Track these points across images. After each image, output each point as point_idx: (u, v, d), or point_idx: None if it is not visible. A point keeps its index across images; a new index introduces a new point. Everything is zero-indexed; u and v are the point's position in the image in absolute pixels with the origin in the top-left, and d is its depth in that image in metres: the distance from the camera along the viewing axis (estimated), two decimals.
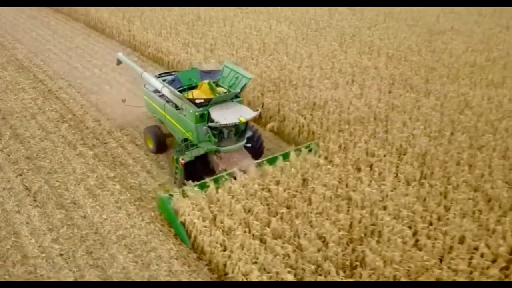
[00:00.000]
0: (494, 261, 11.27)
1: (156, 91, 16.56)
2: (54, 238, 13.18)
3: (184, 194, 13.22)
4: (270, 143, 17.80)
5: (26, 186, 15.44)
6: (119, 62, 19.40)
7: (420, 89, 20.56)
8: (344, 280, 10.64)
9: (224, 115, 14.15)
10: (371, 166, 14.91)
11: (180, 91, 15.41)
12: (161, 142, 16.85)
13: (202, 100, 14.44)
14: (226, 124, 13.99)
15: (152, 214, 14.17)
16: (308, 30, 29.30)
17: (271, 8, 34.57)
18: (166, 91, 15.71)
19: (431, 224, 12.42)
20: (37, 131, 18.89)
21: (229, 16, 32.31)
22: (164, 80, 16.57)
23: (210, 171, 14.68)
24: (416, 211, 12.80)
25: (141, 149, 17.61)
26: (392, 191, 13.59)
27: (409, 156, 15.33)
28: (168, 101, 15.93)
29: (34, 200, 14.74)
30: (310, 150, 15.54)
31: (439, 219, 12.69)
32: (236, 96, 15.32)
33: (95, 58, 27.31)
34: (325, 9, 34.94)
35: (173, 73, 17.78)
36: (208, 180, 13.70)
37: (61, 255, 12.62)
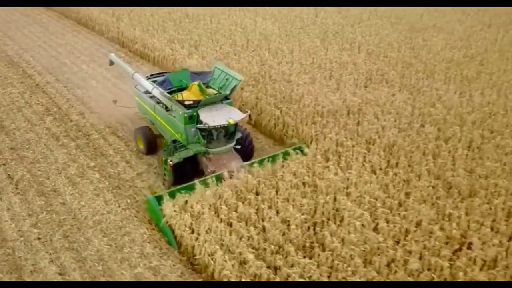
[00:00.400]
0: (447, 243, 11.84)
1: (147, 92, 16.52)
2: (33, 223, 13.75)
3: (171, 196, 13.09)
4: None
5: (9, 175, 16.00)
6: (111, 63, 19.42)
7: (395, 84, 21.14)
8: (305, 260, 11.13)
9: (213, 117, 14.08)
10: (339, 156, 15.47)
11: (170, 93, 15.50)
12: (152, 143, 16.74)
13: (191, 102, 14.46)
14: (214, 126, 13.90)
15: (128, 201, 14.75)
16: (292, 27, 29.85)
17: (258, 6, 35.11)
18: (156, 92, 15.65)
19: (391, 209, 12.98)
20: (23, 123, 19.44)
21: (216, 14, 32.83)
22: (154, 81, 16.60)
23: (200, 173, 14.68)
24: (378, 197, 13.39)
25: (121, 141, 18.17)
26: (357, 179, 14.15)
27: (377, 146, 15.90)
28: (159, 102, 15.92)
29: (16, 188, 15.31)
30: (302, 151, 15.45)
31: (399, 205, 13.28)
32: (226, 98, 15.31)
33: (83, 54, 27.85)
34: (312, 7, 35.45)
35: (164, 74, 17.82)
36: (196, 182, 13.51)
37: (39, 238, 13.18)
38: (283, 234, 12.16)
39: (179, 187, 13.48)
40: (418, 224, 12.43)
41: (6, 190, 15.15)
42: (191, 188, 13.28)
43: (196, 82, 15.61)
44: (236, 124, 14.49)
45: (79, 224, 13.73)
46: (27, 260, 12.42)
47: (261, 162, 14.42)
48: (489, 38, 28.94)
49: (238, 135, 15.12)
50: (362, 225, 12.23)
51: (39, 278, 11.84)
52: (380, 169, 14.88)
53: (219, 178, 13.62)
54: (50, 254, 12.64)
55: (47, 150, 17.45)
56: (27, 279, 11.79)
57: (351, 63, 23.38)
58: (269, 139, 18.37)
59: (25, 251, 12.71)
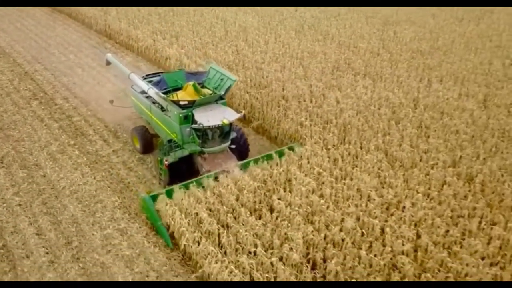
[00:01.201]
0: (385, 207, 13.16)
1: (143, 92, 16.56)
2: (15, 192, 15.04)
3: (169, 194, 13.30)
4: None
5: None
6: (108, 63, 19.26)
7: (360, 72, 22.42)
8: (253, 219, 12.37)
9: (207, 117, 14.09)
10: (296, 132, 16.78)
11: (166, 93, 15.59)
12: (148, 142, 16.78)
13: (186, 102, 14.44)
14: (209, 126, 13.90)
15: (103, 174, 16.04)
16: (271, 20, 31.10)
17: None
18: (152, 92, 15.64)
19: (336, 178, 14.29)
20: (10, 106, 20.70)
21: (200, 8, 33.97)
22: (150, 81, 16.64)
23: (195, 172, 14.75)
24: (327, 169, 14.69)
25: (101, 122, 19.44)
26: (310, 153, 15.45)
27: (333, 126, 17.20)
28: (154, 102, 15.94)
29: (1, 162, 16.59)
30: (292, 150, 15.60)
31: (346, 175, 14.59)
32: (221, 98, 15.32)
33: (72, 45, 29.07)
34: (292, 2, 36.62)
35: (160, 74, 17.81)
36: (192, 181, 13.70)
37: (19, 205, 14.47)
38: (237, 199, 13.46)
39: (174, 186, 13.65)
40: (359, 190, 13.74)
41: None
42: (187, 187, 13.47)
43: (191, 82, 15.65)
44: (230, 124, 14.51)
45: (57, 193, 15.01)
46: (8, 222, 13.71)
47: (256, 162, 14.57)
48: (458, 31, 30.23)
49: (233, 134, 15.12)
50: (308, 191, 13.54)
51: (18, 239, 13.10)
52: (333, 145, 16.17)
53: (215, 177, 13.85)
54: (29, 218, 13.92)
55: (31, 130, 18.71)
56: (8, 239, 13.06)
57: (321, 53, 24.66)
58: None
59: (7, 215, 14.00)
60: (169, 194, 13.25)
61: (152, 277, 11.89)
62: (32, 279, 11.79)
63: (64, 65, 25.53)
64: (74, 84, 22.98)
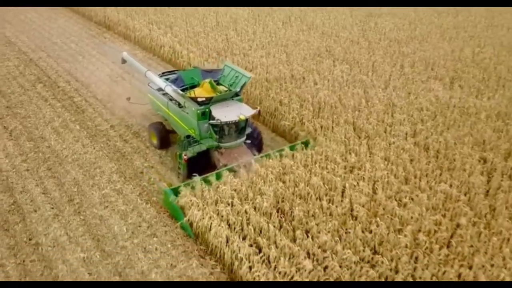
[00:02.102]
0: (348, 169, 14.84)
1: (160, 89, 16.78)
2: (23, 159, 16.71)
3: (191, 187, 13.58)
4: None
5: (4, 126, 18.93)
6: (123, 61, 19.19)
7: (339, 58, 24.08)
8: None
9: (224, 113, 14.41)
10: (275, 110, 18.46)
11: (182, 90, 15.84)
12: (165, 138, 17.04)
13: (204, 99, 14.70)
14: (226, 121, 14.25)
15: (102, 145, 17.71)
16: (260, 12, 32.71)
17: None
18: (169, 89, 15.95)
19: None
20: (17, 89, 22.35)
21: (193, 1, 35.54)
22: (167, 79, 16.87)
23: (212, 166, 15.07)
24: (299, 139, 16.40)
25: (100, 102, 21.10)
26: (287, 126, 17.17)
27: (309, 103, 18.87)
28: (171, 99, 16.20)
29: (10, 135, 18.24)
30: (306, 145, 16.05)
31: (316, 143, 16.28)
32: (236, 95, 15.59)
33: (73, 35, 30.69)
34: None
35: (176, 72, 18.09)
36: (210, 174, 14.04)
37: (27, 170, 16.14)
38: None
39: (193, 179, 13.80)
40: (326, 155, 15.42)
41: (2, 137, 18.09)
42: (206, 180, 13.78)
43: (208, 80, 15.93)
44: (246, 120, 14.81)
45: (60, 161, 16.68)
46: (17, 184, 15.39)
47: (269, 156, 14.96)
48: (436, 23, 31.92)
49: (248, 130, 15.47)
50: (281, 156, 15.22)
51: (27, 197, 14.76)
52: (308, 120, 17.85)
53: (232, 171, 14.24)
54: (36, 180, 15.60)
55: (36, 109, 20.37)
56: (17, 197, 14.75)
57: (305, 41, 26.31)
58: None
59: (16, 178, 15.68)
60: (189, 186, 13.62)
61: (144, 227, 13.55)
62: (40, 229, 13.45)
63: (66, 53, 27.16)
64: (75, 69, 24.61)
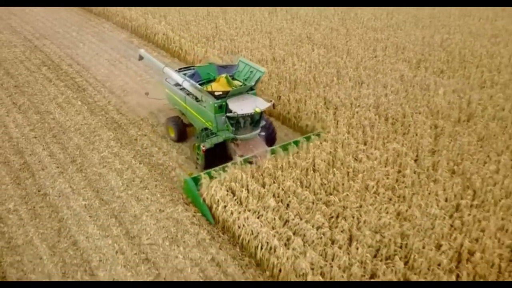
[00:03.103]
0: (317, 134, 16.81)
1: (177, 84, 17.13)
2: (31, 129, 18.67)
3: (210, 176, 14.11)
4: None
5: (13, 102, 20.89)
6: (141, 58, 19.45)
7: (317, 43, 26.03)
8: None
9: (240, 106, 14.78)
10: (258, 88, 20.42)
11: (200, 85, 16.18)
12: (182, 131, 17.46)
13: (221, 93, 15.04)
14: (243, 114, 14.62)
15: (100, 117, 19.67)
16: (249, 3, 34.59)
17: None
18: (187, 84, 16.25)
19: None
20: (24, 71, 24.30)
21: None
22: (184, 75, 17.22)
23: (228, 157, 15.41)
24: (274, 112, 18.35)
25: (99, 82, 23.05)
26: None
27: (286, 80, 20.83)
28: (189, 93, 16.47)
29: (19, 110, 20.20)
30: (318, 136, 16.40)
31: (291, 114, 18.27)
32: (251, 89, 15.87)
33: (74, 25, 32.62)
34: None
35: (192, 68, 18.38)
36: (229, 164, 14.53)
37: (35, 137, 18.11)
38: None
39: (213, 168, 14.41)
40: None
41: (12, 111, 20.05)
42: (224, 170, 14.32)
43: (224, 75, 16.40)
44: (261, 113, 15.23)
45: (64, 130, 18.64)
46: (27, 148, 17.37)
47: (284, 147, 15.51)
48: (413, 13, 33.80)
49: (262, 122, 15.79)
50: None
51: (35, 158, 16.72)
52: (284, 95, 19.81)
53: (247, 162, 14.72)
54: (43, 145, 17.57)
55: (42, 88, 22.32)
56: (27, 158, 16.72)
57: (288, 29, 28.25)
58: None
59: (25, 143, 17.65)
60: (209, 175, 14.18)
61: (137, 182, 15.52)
62: (47, 183, 15.43)
63: (68, 41, 29.08)
64: (76, 54, 26.55)
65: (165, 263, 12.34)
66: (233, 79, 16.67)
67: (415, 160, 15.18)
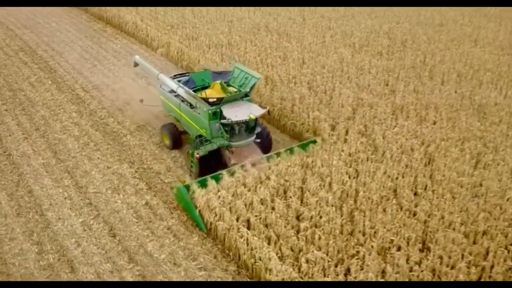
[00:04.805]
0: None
1: (172, 91, 16.74)
2: (3, 103, 20.66)
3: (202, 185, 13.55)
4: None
5: None
6: (135, 64, 19.32)
7: (272, 31, 27.99)
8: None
9: (235, 113, 14.40)
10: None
11: (194, 91, 15.86)
12: (177, 138, 16.99)
13: (215, 99, 14.67)
14: (237, 121, 14.22)
15: (67, 94, 21.63)
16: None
17: None
18: (181, 91, 15.94)
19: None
20: (2, 55, 26.24)
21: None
22: (179, 81, 16.86)
23: (223, 165, 14.99)
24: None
25: (70, 65, 24.97)
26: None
27: (236, 62, 22.77)
28: (183, 100, 16.12)
29: None
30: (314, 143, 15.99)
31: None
32: (246, 95, 15.52)
33: (55, 17, 34.40)
34: None
35: (187, 74, 18.16)
36: (222, 172, 13.99)
37: (6, 110, 20.09)
38: None
39: (206, 176, 13.99)
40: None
41: None
42: (218, 178, 13.80)
43: (218, 81, 16.10)
44: (256, 119, 14.75)
45: (33, 104, 20.57)
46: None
47: (279, 155, 14.95)
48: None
49: (258, 129, 15.33)
50: None
51: (4, 127, 18.66)
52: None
53: (243, 169, 14.18)
54: (12, 116, 19.52)
55: (17, 69, 24.25)
56: None
57: (248, 18, 30.19)
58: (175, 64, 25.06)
59: None
60: (202, 183, 13.65)
61: (91, 145, 17.47)
62: (12, 146, 17.38)
63: (47, 30, 30.99)
64: (52, 42, 28.46)
65: (105, 206, 14.33)
66: (228, 85, 16.32)
67: (332, 126, 17.19)
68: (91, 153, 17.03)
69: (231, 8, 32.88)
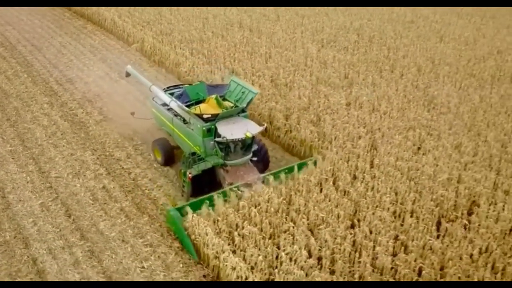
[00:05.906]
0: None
1: (165, 104, 15.89)
2: None
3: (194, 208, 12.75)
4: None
5: None
6: (127, 74, 18.35)
7: (246, 27, 28.74)
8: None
9: (230, 130, 13.70)
10: (178, 62, 23.21)
11: (188, 105, 15.11)
12: (169, 154, 16.04)
13: (210, 115, 13.97)
14: (232, 139, 13.54)
15: (40, 87, 22.38)
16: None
17: None
18: (174, 105, 15.07)
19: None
20: None
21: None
22: (172, 94, 15.95)
23: (217, 185, 14.20)
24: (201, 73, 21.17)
25: (47, 59, 25.72)
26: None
27: (205, 56, 23.58)
28: (176, 114, 15.32)
29: None
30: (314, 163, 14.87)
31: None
32: (243, 111, 14.86)
33: (38, 14, 35.02)
34: None
35: (181, 86, 17.18)
36: (215, 194, 13.10)
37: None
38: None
39: (198, 198, 13.26)
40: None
41: None
42: (211, 200, 12.86)
43: (214, 96, 15.31)
44: (253, 137, 14.09)
45: (6, 96, 21.29)
46: None
47: (277, 174, 14.07)
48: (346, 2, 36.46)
49: (254, 147, 14.62)
50: None
51: None
52: (197, 66, 22.51)
53: (238, 190, 13.41)
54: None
55: None
56: None
57: (223, 15, 30.94)
58: (161, 67, 25.55)
59: None
60: (194, 206, 12.82)
61: (58, 134, 18.19)
62: None
63: (29, 27, 31.70)
64: (33, 38, 29.17)
65: (64, 189, 15.11)
66: (224, 99, 15.49)
67: (286, 116, 17.99)
68: (57, 141, 17.79)
69: (209, 8, 33.58)
